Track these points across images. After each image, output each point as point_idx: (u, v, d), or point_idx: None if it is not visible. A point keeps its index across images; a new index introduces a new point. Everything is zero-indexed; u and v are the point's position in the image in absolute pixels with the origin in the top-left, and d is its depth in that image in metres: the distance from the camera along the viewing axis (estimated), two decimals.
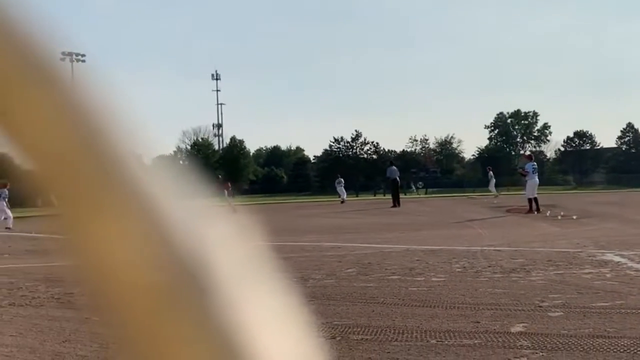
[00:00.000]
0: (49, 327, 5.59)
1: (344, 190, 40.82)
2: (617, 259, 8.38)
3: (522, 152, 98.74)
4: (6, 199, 23.65)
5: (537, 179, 21.10)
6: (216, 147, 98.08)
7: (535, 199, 20.47)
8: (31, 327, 5.65)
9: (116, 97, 0.39)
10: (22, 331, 5.47)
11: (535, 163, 21.71)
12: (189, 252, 0.37)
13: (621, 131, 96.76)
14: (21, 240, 16.81)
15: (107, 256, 0.37)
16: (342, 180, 41.75)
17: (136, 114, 0.39)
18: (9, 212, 23.21)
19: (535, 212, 19.66)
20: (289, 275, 8.20)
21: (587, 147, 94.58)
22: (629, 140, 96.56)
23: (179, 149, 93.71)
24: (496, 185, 38.71)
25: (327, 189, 46.30)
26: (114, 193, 0.37)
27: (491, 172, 40.03)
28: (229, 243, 0.40)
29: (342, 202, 38.93)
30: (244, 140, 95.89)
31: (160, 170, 0.39)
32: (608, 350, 4.30)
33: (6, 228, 21.89)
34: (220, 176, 37.27)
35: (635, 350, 4.28)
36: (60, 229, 0.38)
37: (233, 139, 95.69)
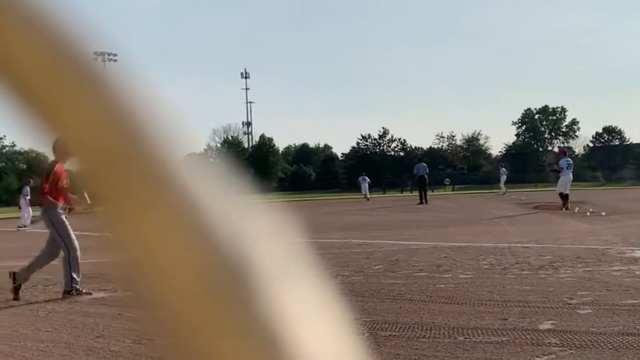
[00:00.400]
0: (83, 323, 5.70)
1: (367, 188, 41.63)
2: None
3: (550, 148, 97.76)
4: (27, 197, 23.94)
5: (570, 176, 20.77)
6: (246, 145, 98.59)
7: (566, 195, 20.22)
8: (66, 322, 5.76)
9: (155, 95, 0.40)
10: (58, 327, 5.59)
11: (569, 159, 21.32)
12: (232, 247, 0.38)
13: None
14: None
15: (151, 252, 0.38)
16: (367, 177, 42.36)
17: (175, 112, 0.40)
18: (29, 209, 23.48)
19: (563, 209, 19.46)
20: (319, 272, 8.22)
21: (616, 142, 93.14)
22: None
23: (209, 147, 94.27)
24: (521, 182, 38.81)
25: (355, 186, 46.89)
26: (158, 190, 0.38)
27: (503, 169, 40.09)
28: (270, 239, 0.40)
29: (368, 199, 39.34)
30: (273, 138, 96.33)
31: (201, 167, 0.40)
32: (638, 347, 4.26)
33: (22, 226, 22.19)
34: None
35: None
36: (105, 226, 0.39)
37: (262, 136, 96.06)
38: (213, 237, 0.38)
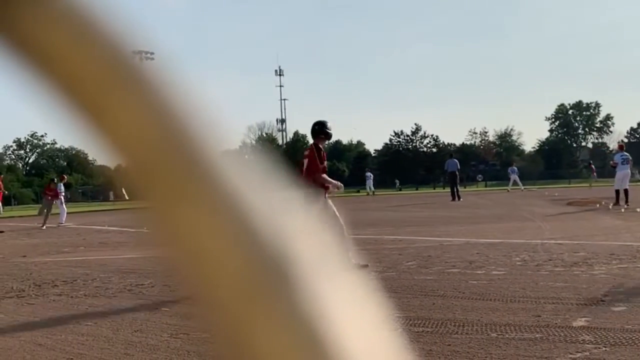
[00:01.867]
0: (121, 317, 5.80)
1: (371, 184, 46.95)
2: None
3: (583, 144, 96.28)
4: (62, 193, 24.26)
5: (628, 170, 20.15)
6: (280, 142, 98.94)
7: (625, 190, 19.63)
8: (105, 317, 5.88)
9: (196, 92, 0.40)
10: (97, 321, 5.70)
11: (625, 153, 20.50)
12: (274, 242, 0.38)
13: None
14: (95, 233, 17.33)
15: (192, 248, 0.38)
16: (371, 174, 48.46)
17: (216, 109, 0.41)
18: (63, 206, 23.81)
19: (625, 205, 18.86)
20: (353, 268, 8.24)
21: None
22: None
23: (244, 143, 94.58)
24: (554, 178, 39.04)
25: (387, 183, 47.96)
26: (201, 186, 0.38)
27: (514, 167, 40.23)
28: (310, 234, 0.40)
29: (373, 194, 43.93)
30: (307, 135, 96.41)
31: (240, 163, 0.40)
32: None
33: (58, 224, 22.55)
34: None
35: None
36: (147, 222, 0.39)
37: (296, 133, 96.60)
38: (254, 232, 0.38)
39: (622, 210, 16.59)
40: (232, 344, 0.38)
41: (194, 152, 0.39)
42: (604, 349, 4.21)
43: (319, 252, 0.40)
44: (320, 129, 8.42)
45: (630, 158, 20.66)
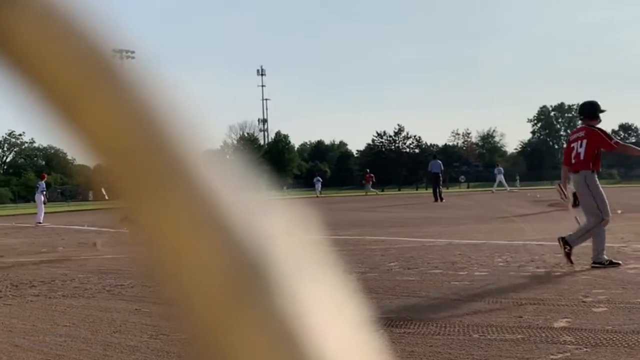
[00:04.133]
0: (100, 318, 5.73)
1: (319, 187, 50.05)
2: None
3: (565, 145, 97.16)
4: (44, 192, 24.06)
5: None
6: (262, 142, 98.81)
7: None
8: (84, 318, 5.81)
9: (175, 91, 0.40)
10: (75, 322, 5.63)
11: None
12: (251, 243, 0.38)
13: None
14: (74, 233, 17.20)
15: (170, 249, 0.38)
16: (320, 178, 51.47)
17: (195, 109, 0.40)
18: (42, 206, 23.60)
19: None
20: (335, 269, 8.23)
21: (633, 140, 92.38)
22: None
23: (225, 143, 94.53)
24: (536, 180, 39.30)
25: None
26: (178, 186, 0.38)
27: (500, 167, 40.39)
28: (288, 235, 0.40)
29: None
30: (289, 135, 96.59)
31: (220, 164, 0.40)
32: None
33: (36, 223, 22.37)
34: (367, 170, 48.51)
35: None
36: (124, 222, 0.39)
37: (278, 133, 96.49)
38: (232, 233, 0.38)
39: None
40: (210, 345, 0.38)
41: (173, 152, 0.38)
42: (584, 349, 4.22)
43: (298, 253, 0.40)
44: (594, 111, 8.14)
45: None
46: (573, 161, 7.96)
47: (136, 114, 0.39)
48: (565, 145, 9.00)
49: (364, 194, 47.23)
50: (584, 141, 7.87)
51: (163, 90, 0.40)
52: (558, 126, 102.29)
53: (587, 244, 8.47)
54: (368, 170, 51.17)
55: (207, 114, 0.41)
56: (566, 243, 7.59)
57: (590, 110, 8.14)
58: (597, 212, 7.68)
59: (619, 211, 17.08)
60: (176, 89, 0.40)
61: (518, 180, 39.44)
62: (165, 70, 0.41)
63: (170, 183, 0.38)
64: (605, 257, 7.53)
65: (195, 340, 0.38)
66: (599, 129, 8.04)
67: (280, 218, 0.41)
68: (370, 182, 47.78)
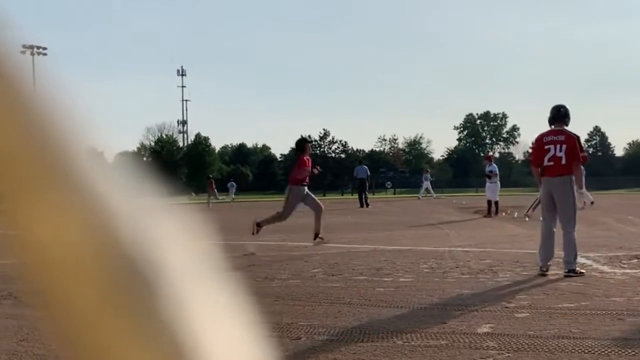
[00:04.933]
0: (5, 326, 5.47)
1: (233, 191, 49.80)
2: (582, 260, 8.41)
3: (490, 153, 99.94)
4: None
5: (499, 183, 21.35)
6: (181, 144, 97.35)
7: (497, 202, 20.63)
8: None
9: (71, 91, 0.39)
10: None
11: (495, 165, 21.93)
12: (137, 249, 0.37)
13: (588, 134, 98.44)
14: None
15: (52, 252, 0.37)
16: (234, 183, 50.91)
17: (92, 110, 0.39)
18: None
19: (495, 215, 19.98)
20: (253, 274, 8.11)
21: None
22: (595, 143, 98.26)
23: (142, 145, 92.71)
24: (462, 187, 40.00)
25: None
26: (61, 189, 0.37)
27: (428, 174, 41.13)
28: (179, 241, 0.40)
29: (225, 202, 45.84)
30: (209, 137, 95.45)
31: (115, 168, 0.39)
32: (573, 351, 4.30)
33: None
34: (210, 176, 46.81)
35: (600, 352, 4.28)
36: (8, 225, 0.37)
37: (198, 135, 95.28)
38: (116, 237, 0.37)
39: (527, 219, 17.05)
40: (90, 347, 0.37)
41: (53, 153, 0.37)
42: (507, 354, 4.28)
43: (185, 259, 0.40)
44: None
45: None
46: (550, 163, 7.92)
47: (19, 111, 0.37)
48: (532, 145, 9.01)
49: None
50: (564, 146, 7.87)
51: (52, 90, 0.38)
52: (484, 134, 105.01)
53: (520, 250, 8.58)
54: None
55: (106, 114, 0.40)
56: (570, 270, 7.50)
57: (566, 113, 8.22)
58: (574, 218, 7.79)
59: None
60: (69, 90, 0.39)
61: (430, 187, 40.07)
62: (59, 68, 0.39)
63: (53, 185, 0.37)
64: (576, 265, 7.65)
65: (71, 346, 0.37)
66: (577, 136, 8.12)
67: (174, 224, 0.40)
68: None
